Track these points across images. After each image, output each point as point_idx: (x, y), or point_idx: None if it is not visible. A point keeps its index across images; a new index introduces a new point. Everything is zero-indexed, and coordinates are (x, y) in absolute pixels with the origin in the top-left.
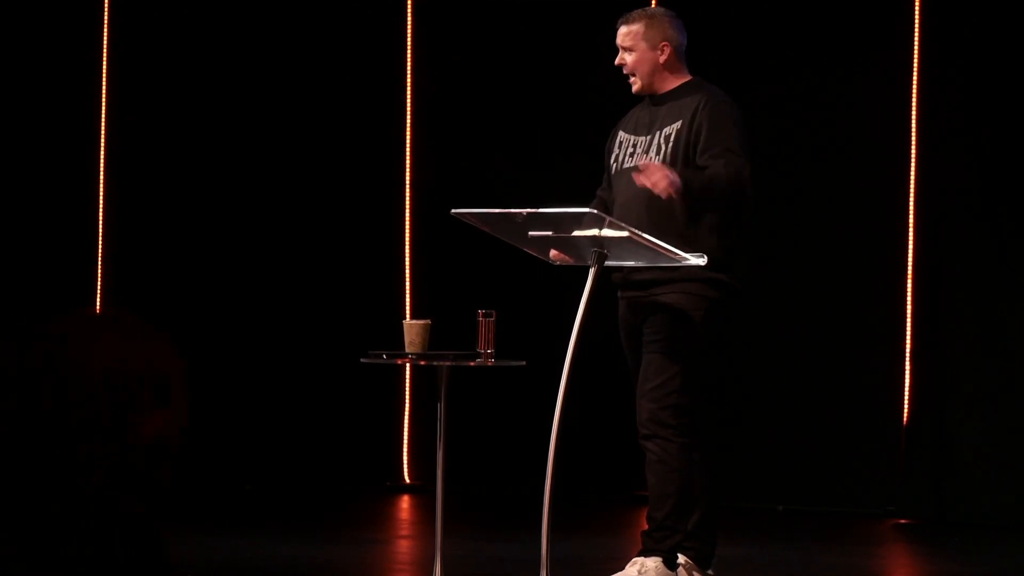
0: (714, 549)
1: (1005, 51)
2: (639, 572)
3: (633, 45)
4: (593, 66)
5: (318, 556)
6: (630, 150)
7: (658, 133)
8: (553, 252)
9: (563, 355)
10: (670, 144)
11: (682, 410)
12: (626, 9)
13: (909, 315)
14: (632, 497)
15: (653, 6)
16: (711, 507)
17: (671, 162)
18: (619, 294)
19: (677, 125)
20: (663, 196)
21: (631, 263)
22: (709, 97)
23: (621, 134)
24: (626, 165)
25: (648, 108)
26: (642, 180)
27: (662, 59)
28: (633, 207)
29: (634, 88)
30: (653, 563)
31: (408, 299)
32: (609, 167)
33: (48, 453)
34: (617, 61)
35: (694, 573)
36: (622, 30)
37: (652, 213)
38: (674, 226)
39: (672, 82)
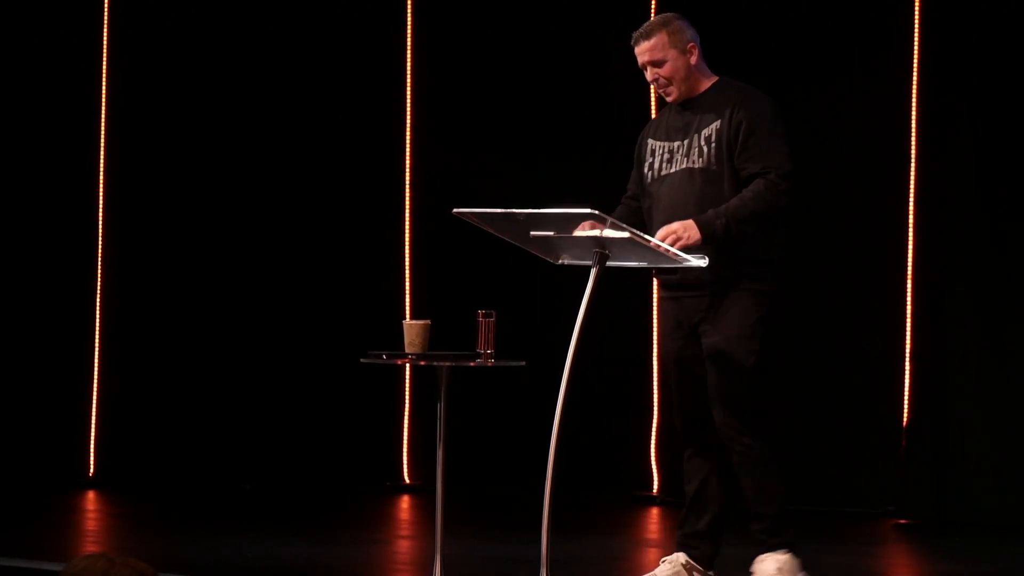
0: (719, 550)
1: (1005, 52)
2: (778, 570)
3: (664, 56)
4: (594, 65)
5: (318, 556)
6: (667, 156)
7: (696, 136)
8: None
9: (563, 355)
10: (712, 145)
11: (756, 407)
12: (625, 7)
13: (909, 315)
14: (632, 497)
15: (657, 16)
16: (724, 510)
17: (715, 163)
18: (666, 294)
19: (716, 125)
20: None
21: (632, 263)
22: (744, 94)
23: (652, 142)
24: (664, 172)
25: (679, 112)
26: (672, 240)
27: (693, 61)
28: (680, 213)
29: (670, 98)
30: (784, 556)
31: (408, 299)
32: (644, 176)
33: None
34: (649, 77)
35: (695, 573)
36: (644, 46)
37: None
38: None
39: (703, 83)
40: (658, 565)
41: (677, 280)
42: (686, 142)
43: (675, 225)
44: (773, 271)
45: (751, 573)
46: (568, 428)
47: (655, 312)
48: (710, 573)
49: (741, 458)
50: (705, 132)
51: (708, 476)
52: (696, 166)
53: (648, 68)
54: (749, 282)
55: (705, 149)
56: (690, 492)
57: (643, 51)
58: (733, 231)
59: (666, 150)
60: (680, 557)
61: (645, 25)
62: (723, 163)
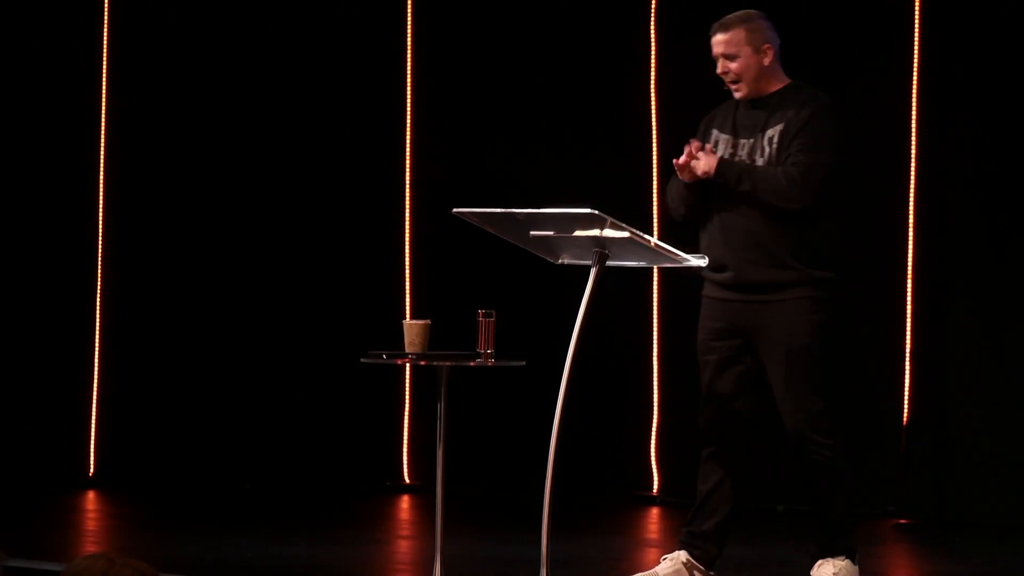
0: (722, 552)
1: (1006, 51)
2: (833, 572)
3: (737, 51)
4: (594, 64)
5: (318, 556)
6: (730, 150)
7: (762, 135)
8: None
9: (563, 355)
10: (774, 146)
11: (828, 413)
12: (625, 8)
13: (909, 315)
14: (632, 497)
15: (741, 11)
16: (733, 513)
17: (776, 163)
18: (713, 292)
19: (780, 127)
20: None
21: (632, 263)
22: (811, 99)
23: (716, 133)
24: None
25: (749, 110)
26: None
27: (766, 62)
28: (737, 209)
29: (738, 94)
30: (843, 562)
31: (408, 299)
32: None
33: None
34: (720, 70)
35: (695, 572)
36: (720, 38)
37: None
38: (793, 221)
39: (775, 84)
40: (659, 563)
41: (730, 281)
42: (751, 141)
43: (701, 156)
44: (829, 277)
45: None
46: (568, 428)
47: (649, 304)
48: (711, 573)
49: (817, 463)
50: (770, 132)
51: (723, 478)
52: (758, 164)
53: (720, 60)
54: (804, 288)
55: (767, 149)
56: (702, 492)
57: (718, 43)
58: (743, 188)
59: (730, 145)
60: (681, 555)
61: (726, 17)
62: (783, 163)
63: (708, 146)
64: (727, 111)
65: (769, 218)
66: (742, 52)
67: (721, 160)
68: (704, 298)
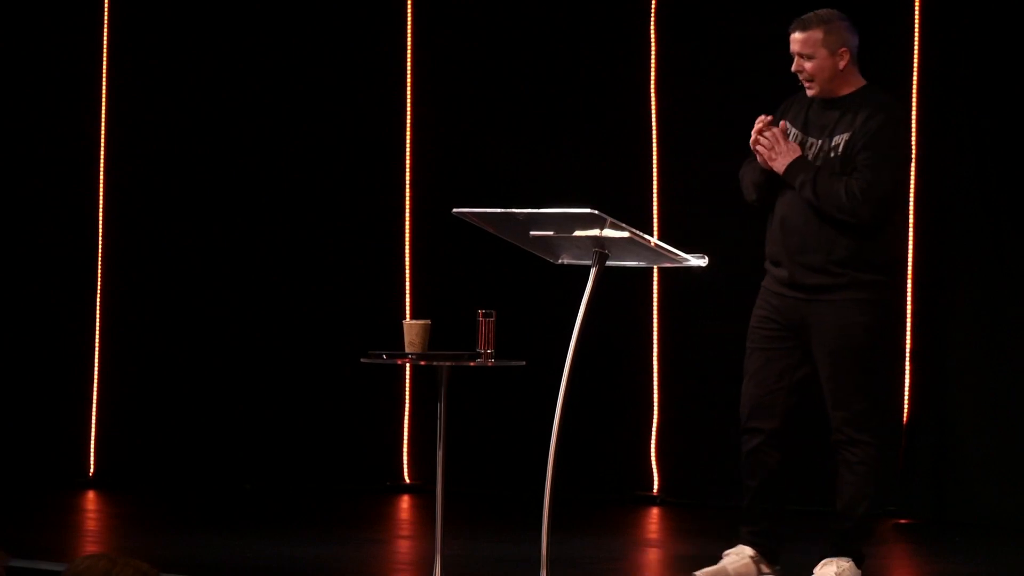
0: (781, 545)
1: (1006, 51)
2: (836, 572)
3: (813, 52)
4: (595, 64)
5: (318, 556)
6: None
7: (828, 140)
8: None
9: (563, 355)
10: (838, 154)
11: (874, 413)
12: (625, 7)
13: (909, 315)
14: (632, 497)
15: (823, 10)
16: (780, 509)
17: (840, 172)
18: (772, 287)
19: (847, 136)
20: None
21: (632, 263)
22: (881, 110)
23: (788, 126)
24: None
25: (821, 110)
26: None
27: (841, 64)
28: (799, 211)
29: (809, 93)
30: (848, 563)
31: (408, 299)
32: None
33: None
34: (794, 68)
35: (762, 567)
36: (797, 37)
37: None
38: (851, 229)
39: (848, 87)
40: (721, 558)
41: (784, 279)
42: (819, 142)
43: (782, 143)
44: (880, 280)
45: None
46: (568, 428)
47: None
48: (776, 567)
49: (854, 458)
50: (836, 139)
51: (772, 473)
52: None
53: (795, 58)
54: (854, 291)
55: (832, 155)
56: (752, 487)
57: (795, 41)
58: (806, 191)
59: (799, 142)
60: (747, 550)
61: (807, 15)
62: (847, 174)
63: (784, 124)
64: (801, 104)
65: (826, 224)
66: (818, 53)
67: (796, 159)
68: (762, 288)
